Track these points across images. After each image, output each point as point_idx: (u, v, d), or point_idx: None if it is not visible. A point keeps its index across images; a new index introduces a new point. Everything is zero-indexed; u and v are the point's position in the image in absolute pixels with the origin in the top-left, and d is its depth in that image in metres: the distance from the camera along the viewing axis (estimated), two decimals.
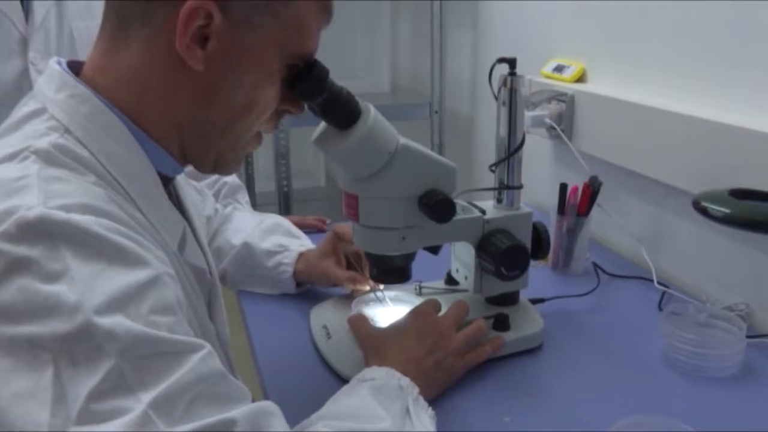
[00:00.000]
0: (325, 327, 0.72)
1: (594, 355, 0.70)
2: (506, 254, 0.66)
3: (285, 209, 1.45)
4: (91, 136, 0.42)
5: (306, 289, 0.88)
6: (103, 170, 0.41)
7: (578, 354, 0.70)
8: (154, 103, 0.43)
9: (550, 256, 0.97)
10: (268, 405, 0.43)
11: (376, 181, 0.60)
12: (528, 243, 0.72)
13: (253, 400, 0.43)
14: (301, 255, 0.83)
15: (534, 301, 0.78)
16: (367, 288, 0.77)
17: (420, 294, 0.79)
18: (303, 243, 0.86)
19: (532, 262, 0.76)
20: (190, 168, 0.51)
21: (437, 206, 0.60)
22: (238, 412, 0.40)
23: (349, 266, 0.79)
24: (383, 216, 0.62)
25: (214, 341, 0.54)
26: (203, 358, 0.41)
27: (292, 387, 0.65)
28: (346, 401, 0.52)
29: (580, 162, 0.95)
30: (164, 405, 0.37)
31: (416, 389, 0.55)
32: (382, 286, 0.77)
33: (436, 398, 0.61)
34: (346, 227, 0.83)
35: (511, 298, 0.76)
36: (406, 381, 0.55)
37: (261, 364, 0.69)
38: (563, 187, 0.93)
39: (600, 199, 0.91)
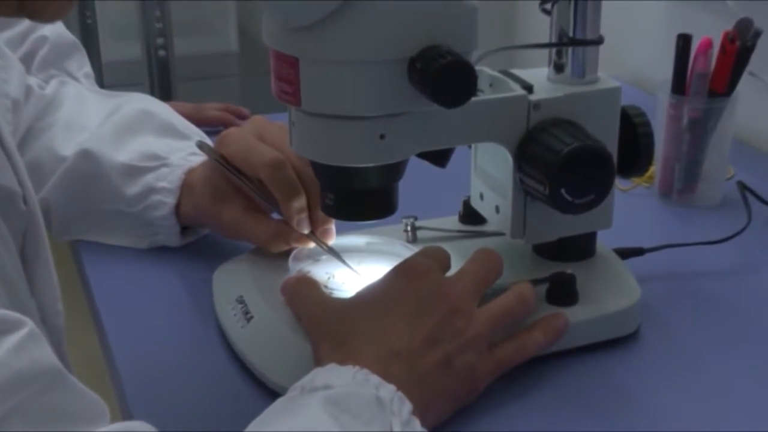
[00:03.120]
0: (240, 301, 0.77)
1: (736, 356, 0.75)
2: (571, 165, 0.70)
3: (162, 91, 1.48)
4: None
5: (200, 236, 0.93)
6: None
7: (706, 351, 0.75)
8: None
9: (657, 170, 1.03)
10: (141, 427, 0.49)
11: (332, 28, 0.63)
12: (613, 145, 0.76)
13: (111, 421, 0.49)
14: (191, 178, 0.88)
15: (625, 254, 0.84)
16: (313, 244, 0.82)
17: (413, 240, 0.85)
18: (194, 151, 0.90)
19: (621, 182, 0.82)
20: None
21: (442, 76, 0.63)
22: None
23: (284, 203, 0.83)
24: (345, 95, 0.66)
25: (36, 322, 0.59)
26: (21, 345, 0.45)
27: (178, 403, 0.70)
28: (280, 425, 0.57)
29: None
30: None
31: (407, 405, 0.60)
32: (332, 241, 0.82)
33: (445, 424, 0.66)
34: (270, 122, 0.87)
35: (580, 248, 0.81)
36: (387, 390, 0.60)
37: (120, 365, 0.74)
38: (684, 42, 0.97)
39: (755, 64, 0.96)
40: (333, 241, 0.82)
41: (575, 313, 0.74)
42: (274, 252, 0.82)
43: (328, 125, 0.68)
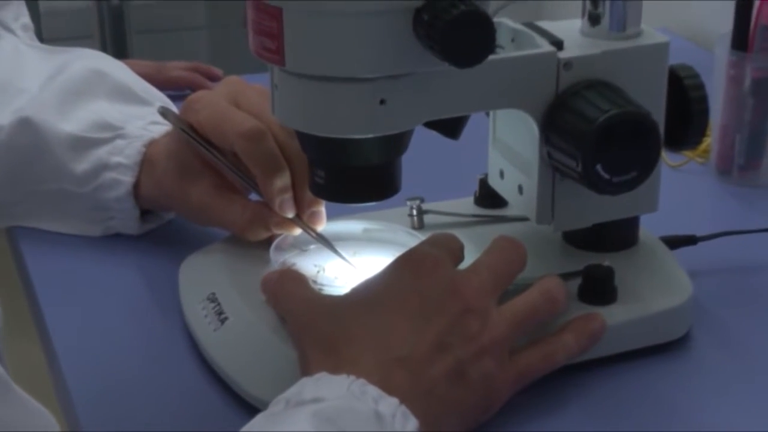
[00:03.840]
0: (212, 299, 0.79)
1: None
2: (608, 136, 0.72)
3: (116, 47, 1.48)
4: None
5: (164, 222, 0.95)
6: None
7: None
8: None
9: (713, 143, 1.03)
10: None
11: None
12: (659, 112, 0.77)
13: None
14: (152, 152, 0.90)
15: (673, 243, 0.86)
16: (299, 230, 0.83)
17: (420, 227, 0.86)
18: (156, 119, 0.92)
19: (670, 157, 0.83)
20: None
21: (454, 29, 0.64)
22: None
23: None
24: (338, 52, 0.67)
25: None
26: None
27: (138, 421, 0.71)
28: None
29: None
30: None
31: (411, 421, 0.62)
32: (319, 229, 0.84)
33: None
34: (248, 85, 0.88)
35: (620, 236, 0.83)
36: (388, 404, 0.62)
37: (68, 376, 0.75)
38: None
39: None
40: (323, 227, 0.84)
41: (613, 314, 0.76)
42: (252, 240, 0.83)
43: (317, 89, 0.69)
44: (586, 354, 0.74)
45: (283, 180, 0.82)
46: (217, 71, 1.23)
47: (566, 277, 0.76)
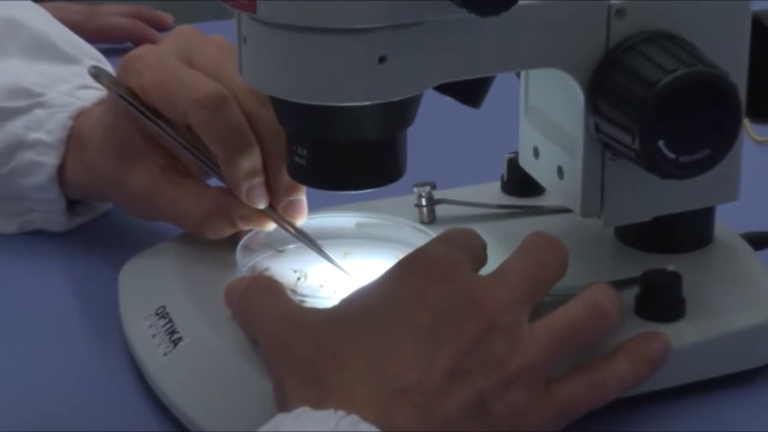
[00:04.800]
0: (162, 314, 0.79)
1: None
2: (673, 103, 0.72)
3: None
4: None
5: (98, 216, 0.97)
6: None
7: None
8: None
9: None
10: None
11: None
12: (739, 73, 0.77)
13: None
14: (81, 125, 0.91)
15: (758, 241, 0.87)
16: (272, 225, 0.85)
17: (430, 220, 0.88)
18: (86, 81, 0.93)
19: (754, 130, 0.83)
20: None
21: None
22: None
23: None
24: None
25: None
26: None
27: None
28: None
29: None
30: None
31: None
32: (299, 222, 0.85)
33: None
34: (205, 36, 0.90)
35: (689, 233, 0.84)
36: None
37: None
38: None
39: None
40: (304, 220, 0.85)
41: (680, 333, 0.77)
42: (212, 238, 0.85)
43: (298, 43, 0.69)
44: (645, 384, 0.75)
45: (252, 160, 0.83)
46: (166, 18, 1.24)
47: (620, 285, 0.76)
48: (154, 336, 0.79)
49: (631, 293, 0.78)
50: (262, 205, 0.84)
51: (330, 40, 0.69)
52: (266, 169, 0.84)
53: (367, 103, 0.72)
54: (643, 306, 0.78)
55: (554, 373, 0.72)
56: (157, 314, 0.80)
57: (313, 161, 0.75)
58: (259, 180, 0.83)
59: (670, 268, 0.78)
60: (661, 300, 0.78)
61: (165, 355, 0.77)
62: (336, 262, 0.82)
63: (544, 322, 0.72)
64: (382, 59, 0.70)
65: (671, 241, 0.83)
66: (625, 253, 0.84)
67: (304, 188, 0.84)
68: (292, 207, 0.84)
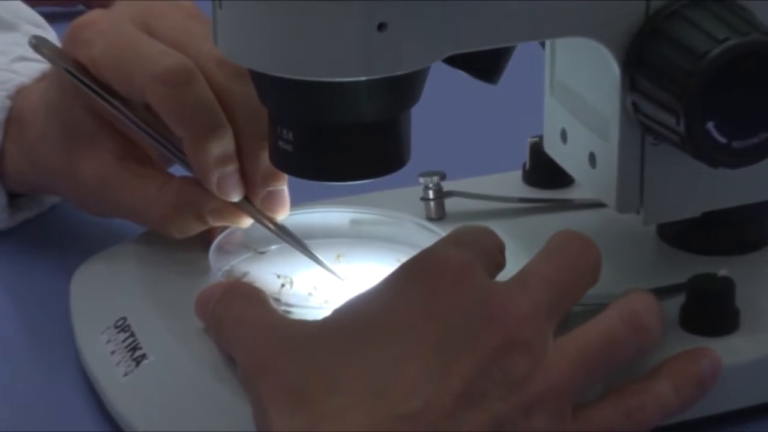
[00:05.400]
0: (122, 327, 0.80)
1: None
2: (725, 77, 0.72)
3: None
4: None
5: (43, 212, 0.97)
6: None
7: None
8: None
9: None
10: None
11: None
12: None
13: None
14: (22, 106, 0.92)
15: None
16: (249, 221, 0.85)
17: (438, 216, 0.88)
18: (26, 53, 0.94)
19: None
20: None
21: None
22: None
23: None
24: None
25: None
26: None
27: None
28: None
29: None
30: None
31: None
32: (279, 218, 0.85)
33: None
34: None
35: (743, 233, 0.84)
36: None
37: None
38: None
39: None
40: (286, 215, 0.86)
41: (733, 349, 0.77)
42: (178, 237, 0.85)
43: (284, 7, 0.70)
44: (692, 410, 0.75)
45: (223, 144, 0.83)
46: None
47: (662, 293, 0.77)
48: (112, 353, 0.79)
49: (676, 302, 0.78)
50: (236, 198, 0.84)
51: (322, 4, 0.69)
52: (241, 155, 0.84)
53: (364, 78, 0.72)
54: (690, 317, 0.78)
55: (584, 397, 0.72)
56: (116, 327, 0.80)
57: (300, 146, 0.75)
58: (232, 167, 0.84)
59: (722, 272, 0.78)
60: (710, 310, 0.78)
61: (126, 375, 0.77)
62: (327, 265, 0.82)
63: (572, 337, 0.72)
64: (381, 26, 0.70)
65: (722, 241, 0.84)
66: (669, 255, 0.84)
67: (286, 177, 0.84)
68: (273, 199, 0.85)
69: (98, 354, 0.80)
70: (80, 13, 0.91)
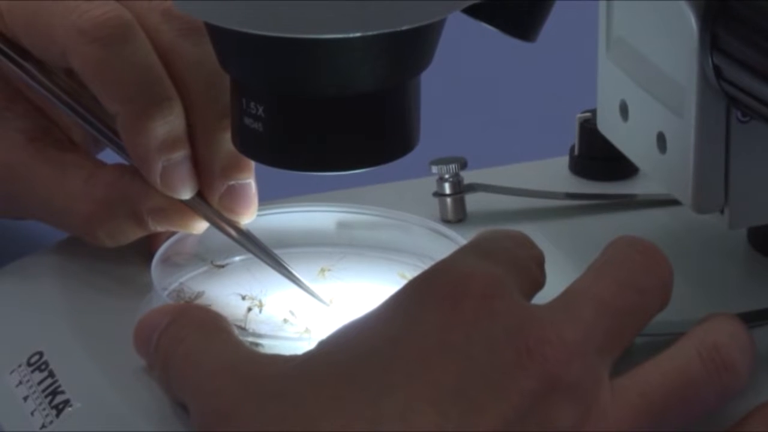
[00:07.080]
0: (38, 366, 0.81)
1: None
2: None
3: None
4: None
5: None
6: None
7: None
8: None
9: None
10: None
11: None
12: None
13: None
14: None
15: None
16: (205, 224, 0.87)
17: (456, 218, 0.91)
18: None
19: None
20: None
21: None
22: None
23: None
24: None
25: None
26: None
27: None
28: None
29: None
30: None
31: None
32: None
33: None
34: None
35: None
36: None
37: None
38: None
39: None
40: (252, 217, 0.87)
41: None
42: (109, 246, 0.87)
43: None
44: None
45: (170, 123, 0.85)
46: None
47: (753, 318, 0.79)
48: (26, 399, 0.81)
49: None
50: (186, 194, 0.86)
51: None
52: (193, 137, 0.86)
53: (358, 34, 0.74)
54: None
55: None
56: (29, 365, 0.82)
57: (274, 125, 0.77)
58: (181, 153, 0.85)
59: None
60: None
61: (43, 427, 0.79)
62: (306, 285, 0.84)
63: (635, 378, 0.73)
64: None
65: None
66: (763, 268, 0.86)
67: (253, 166, 0.85)
68: (235, 196, 0.86)
69: (7, 400, 0.82)
70: None
